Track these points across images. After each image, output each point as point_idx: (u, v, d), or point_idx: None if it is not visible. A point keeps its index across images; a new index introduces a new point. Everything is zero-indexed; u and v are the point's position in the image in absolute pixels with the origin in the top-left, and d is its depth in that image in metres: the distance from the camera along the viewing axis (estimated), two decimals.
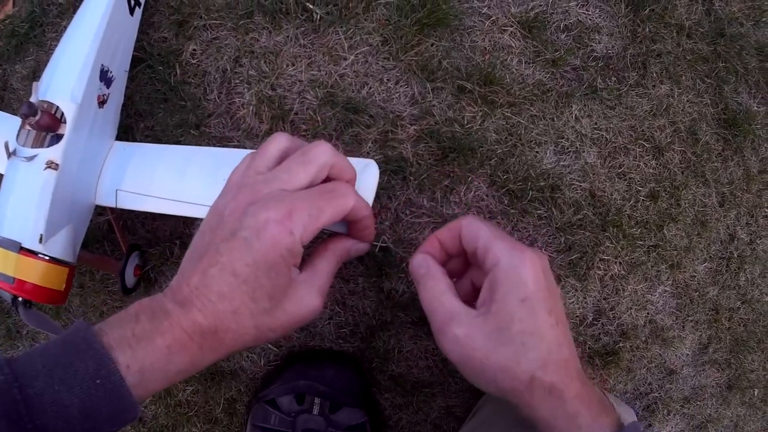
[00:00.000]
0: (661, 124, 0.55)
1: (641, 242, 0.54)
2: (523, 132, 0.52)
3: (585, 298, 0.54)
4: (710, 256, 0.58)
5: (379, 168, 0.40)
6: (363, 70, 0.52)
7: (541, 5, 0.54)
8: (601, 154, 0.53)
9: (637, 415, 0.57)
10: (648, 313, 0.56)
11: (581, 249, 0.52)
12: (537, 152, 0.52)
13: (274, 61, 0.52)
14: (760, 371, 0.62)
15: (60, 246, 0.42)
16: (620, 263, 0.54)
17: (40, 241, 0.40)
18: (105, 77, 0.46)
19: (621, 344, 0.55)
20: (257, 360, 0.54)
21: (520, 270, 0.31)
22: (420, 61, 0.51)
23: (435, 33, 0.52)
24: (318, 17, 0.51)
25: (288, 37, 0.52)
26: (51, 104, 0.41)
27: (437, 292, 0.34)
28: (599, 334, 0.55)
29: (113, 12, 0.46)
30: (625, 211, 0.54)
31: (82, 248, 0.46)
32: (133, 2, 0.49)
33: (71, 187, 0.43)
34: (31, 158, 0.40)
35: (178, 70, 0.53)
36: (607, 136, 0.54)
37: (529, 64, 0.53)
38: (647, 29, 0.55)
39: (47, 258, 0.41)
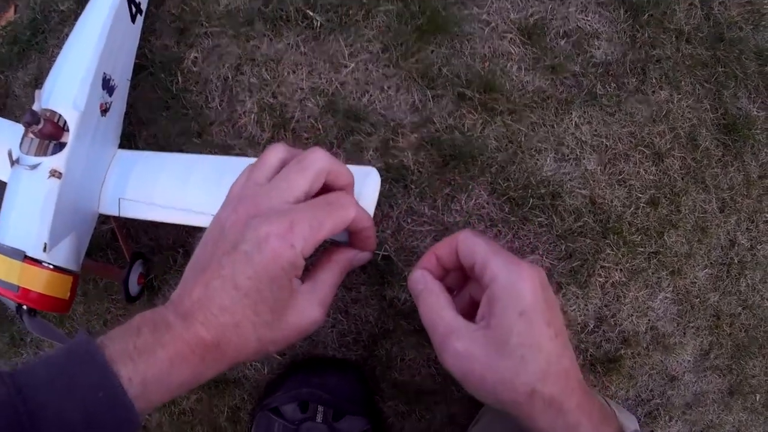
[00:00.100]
0: (661, 130, 0.55)
1: (642, 249, 0.54)
2: (523, 139, 0.52)
3: (586, 305, 0.54)
4: (711, 262, 0.58)
5: (381, 176, 0.40)
6: (363, 78, 0.52)
7: (540, 11, 0.54)
8: (601, 161, 0.53)
9: (639, 422, 0.56)
10: (649, 320, 0.56)
11: (582, 256, 0.52)
12: (537, 159, 0.52)
13: (275, 69, 0.52)
14: (762, 376, 0.62)
15: (64, 254, 0.42)
16: (621, 270, 0.54)
17: (44, 249, 0.40)
18: (107, 85, 0.46)
19: (622, 351, 0.55)
20: (261, 368, 0.54)
21: (518, 284, 0.32)
22: (420, 69, 0.51)
23: (435, 40, 0.52)
24: (318, 24, 0.52)
25: (289, 44, 0.52)
26: (54, 112, 0.41)
27: (437, 307, 0.34)
28: (601, 341, 0.55)
29: (115, 19, 0.46)
30: (626, 217, 0.54)
31: (85, 256, 0.46)
32: (134, 9, 0.49)
33: (74, 196, 0.43)
34: (34, 167, 0.40)
35: (179, 78, 0.53)
36: (607, 143, 0.54)
37: (528, 70, 0.53)
38: (646, 34, 0.55)
39: (51, 267, 0.41)
